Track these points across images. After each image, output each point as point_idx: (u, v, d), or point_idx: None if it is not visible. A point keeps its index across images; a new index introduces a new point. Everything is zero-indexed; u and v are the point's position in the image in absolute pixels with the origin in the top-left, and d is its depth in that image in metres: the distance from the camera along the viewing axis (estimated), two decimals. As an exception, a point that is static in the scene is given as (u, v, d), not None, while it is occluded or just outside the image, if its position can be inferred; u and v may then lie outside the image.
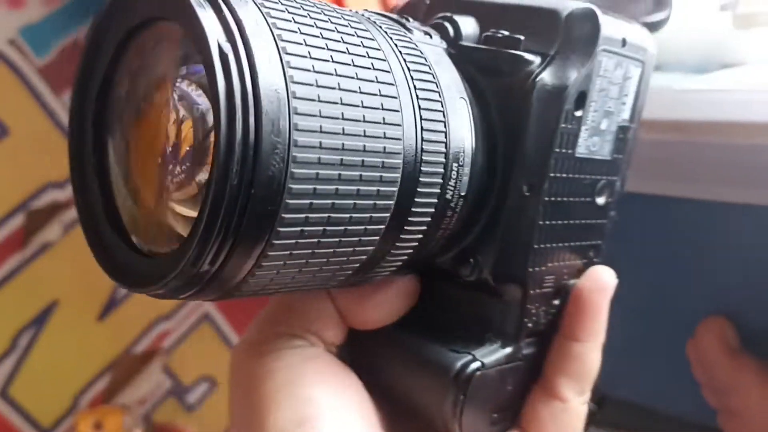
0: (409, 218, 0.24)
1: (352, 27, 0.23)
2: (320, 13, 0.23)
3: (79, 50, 0.74)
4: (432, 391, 0.27)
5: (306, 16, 0.22)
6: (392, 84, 0.23)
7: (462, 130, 0.25)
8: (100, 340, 0.80)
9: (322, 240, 0.22)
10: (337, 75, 0.21)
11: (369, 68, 0.23)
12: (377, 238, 0.23)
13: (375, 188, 0.22)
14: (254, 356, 0.27)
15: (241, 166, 0.19)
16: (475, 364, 0.26)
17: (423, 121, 0.24)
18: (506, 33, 0.27)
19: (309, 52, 0.21)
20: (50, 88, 0.72)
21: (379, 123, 0.22)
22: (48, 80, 0.72)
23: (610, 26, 0.27)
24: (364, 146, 0.22)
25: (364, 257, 0.24)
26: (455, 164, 0.25)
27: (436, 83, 0.25)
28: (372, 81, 0.22)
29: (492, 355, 0.27)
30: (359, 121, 0.22)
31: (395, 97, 0.23)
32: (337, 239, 0.22)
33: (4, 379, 0.75)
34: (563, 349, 0.28)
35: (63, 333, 0.77)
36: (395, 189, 0.23)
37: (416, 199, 0.24)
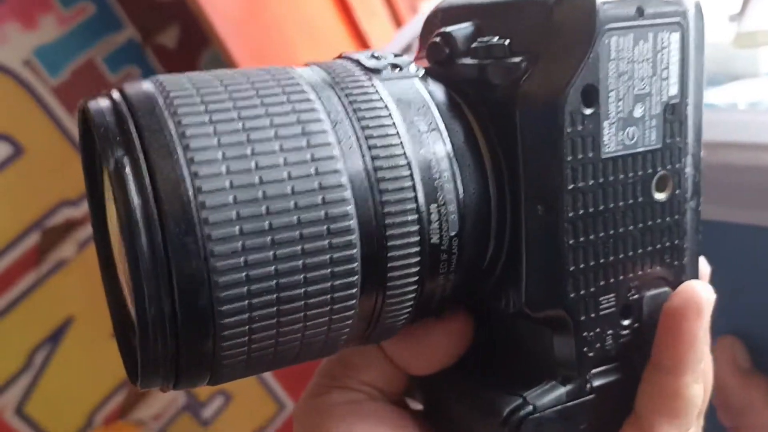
0: (389, 274, 0.23)
1: (282, 94, 0.22)
2: (240, 92, 0.22)
3: (92, 70, 0.75)
4: None
5: (220, 95, 0.21)
6: (328, 144, 0.22)
7: (437, 167, 0.23)
8: (115, 355, 0.80)
9: (282, 319, 0.21)
10: (254, 154, 0.20)
11: (297, 135, 0.21)
12: (353, 301, 0.22)
13: (326, 257, 0.21)
14: (312, 411, 0.27)
15: (154, 273, 0.19)
16: (526, 409, 0.24)
17: (377, 172, 0.22)
18: (495, 39, 0.25)
19: (222, 153, 0.20)
20: (64, 107, 0.73)
21: (314, 191, 0.21)
22: (62, 99, 0.73)
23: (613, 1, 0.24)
24: (298, 219, 0.21)
25: (349, 321, 0.23)
26: (433, 205, 0.23)
27: (392, 125, 0.23)
28: (301, 148, 0.21)
29: (547, 395, 0.24)
30: (286, 195, 0.21)
31: (333, 157, 0.22)
32: (300, 314, 0.21)
33: (20, 396, 0.76)
34: (655, 383, 0.24)
35: (78, 349, 0.78)
36: (354, 251, 0.21)
37: (390, 254, 0.22)
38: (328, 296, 0.21)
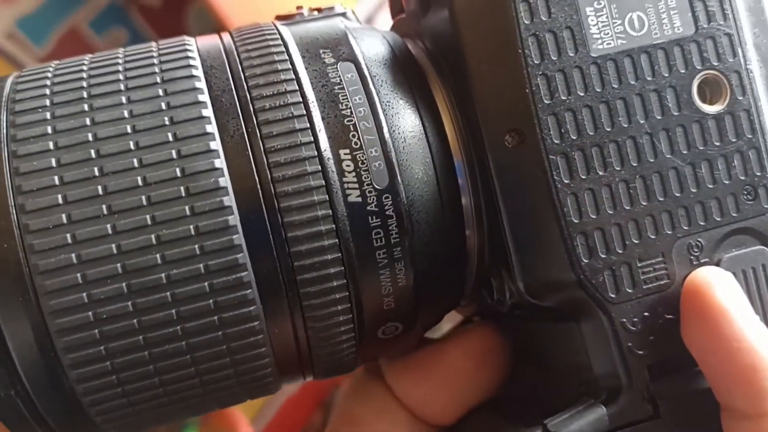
0: (307, 315, 0.18)
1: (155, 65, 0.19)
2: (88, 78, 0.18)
3: (78, 36, 0.73)
4: None
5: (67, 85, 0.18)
6: (193, 89, 0.18)
7: (347, 101, 0.18)
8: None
9: (164, 376, 0.17)
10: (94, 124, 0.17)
11: (154, 84, 0.18)
12: (260, 337, 0.17)
13: (207, 301, 0.16)
14: None
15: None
16: None
17: (258, 116, 0.18)
18: None
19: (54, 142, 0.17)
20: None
21: (167, 143, 0.17)
22: (51, 70, 0.72)
23: None
24: (145, 184, 0.16)
25: (266, 359, 0.18)
26: (344, 151, 0.18)
27: (284, 61, 0.19)
28: (160, 111, 0.17)
29: (575, 421, 0.17)
30: (130, 169, 0.16)
31: (216, 169, 0.17)
32: (182, 357, 0.17)
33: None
34: (731, 427, 0.17)
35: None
36: (235, 236, 0.17)
37: (302, 290, 0.18)
38: (215, 323, 0.17)
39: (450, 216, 0.19)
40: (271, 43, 0.19)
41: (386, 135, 0.18)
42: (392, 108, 0.18)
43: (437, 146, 0.19)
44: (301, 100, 0.18)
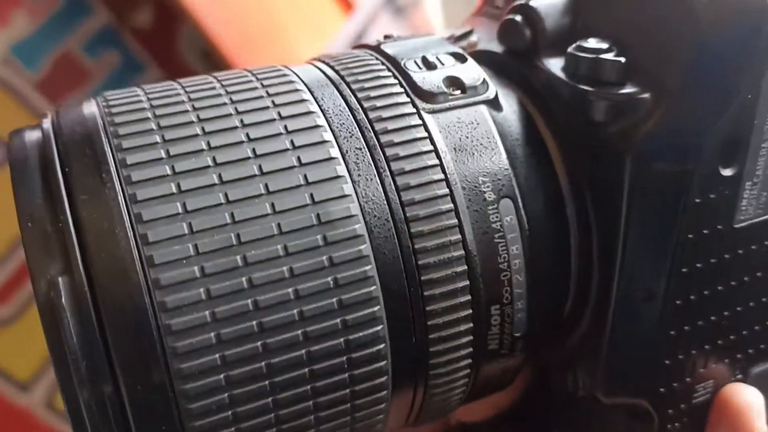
0: (429, 386, 0.17)
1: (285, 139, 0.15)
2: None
3: (72, 60, 0.74)
4: None
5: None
6: (344, 196, 0.15)
7: (505, 256, 0.17)
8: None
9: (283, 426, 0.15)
10: (229, 202, 0.14)
11: (298, 186, 0.15)
12: (383, 405, 0.17)
13: (341, 360, 0.15)
14: None
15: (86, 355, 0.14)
16: None
17: (418, 257, 0.16)
18: (603, 46, 0.17)
19: (182, 203, 0.14)
20: (49, 102, 0.72)
21: (320, 256, 0.15)
22: (46, 95, 0.72)
23: None
24: (296, 294, 0.14)
25: (380, 424, 0.18)
26: (495, 307, 0.17)
27: (446, 196, 0.17)
28: (305, 205, 0.15)
29: None
30: (277, 258, 0.14)
31: (357, 236, 0.15)
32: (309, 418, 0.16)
33: (49, 390, 0.77)
34: None
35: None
36: (384, 379, 0.16)
37: (432, 372, 0.17)
38: (348, 405, 0.16)
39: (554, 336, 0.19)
40: (429, 165, 0.16)
41: (536, 288, 0.18)
42: (541, 258, 0.17)
43: (565, 287, 0.18)
44: (463, 253, 0.16)
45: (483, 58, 0.19)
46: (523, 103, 0.18)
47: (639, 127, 0.16)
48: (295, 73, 0.17)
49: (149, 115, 0.15)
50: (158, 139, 0.15)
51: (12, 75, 0.71)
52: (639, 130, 0.16)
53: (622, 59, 0.16)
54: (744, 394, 0.19)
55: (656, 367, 0.18)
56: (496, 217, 0.17)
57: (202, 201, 0.14)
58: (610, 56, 0.16)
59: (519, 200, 0.17)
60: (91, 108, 0.16)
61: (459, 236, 0.16)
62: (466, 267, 0.17)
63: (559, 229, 0.18)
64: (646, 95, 0.16)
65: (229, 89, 0.16)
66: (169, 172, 0.14)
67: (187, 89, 0.16)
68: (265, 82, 0.16)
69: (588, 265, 0.18)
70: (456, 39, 0.21)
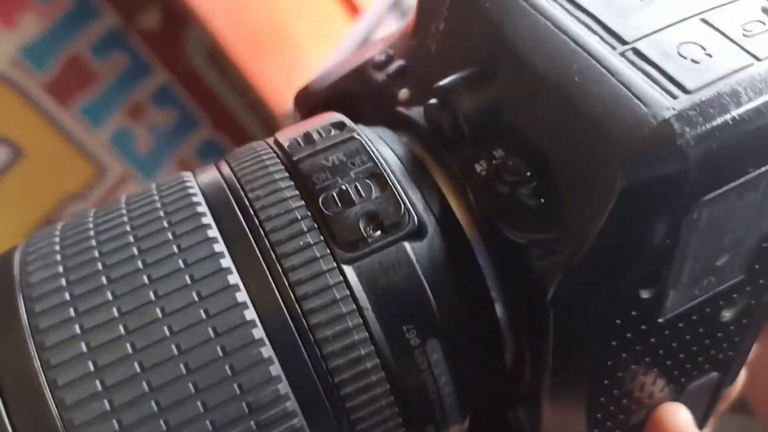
0: None
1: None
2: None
3: (81, 62, 0.75)
4: None
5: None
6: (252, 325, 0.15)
7: (433, 389, 0.17)
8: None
9: None
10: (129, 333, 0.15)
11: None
12: None
13: None
14: None
15: None
16: None
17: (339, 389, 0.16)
18: (526, 173, 0.16)
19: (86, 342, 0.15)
20: (58, 104, 0.73)
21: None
22: (54, 96, 0.73)
23: (714, 152, 0.14)
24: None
25: None
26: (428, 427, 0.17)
27: (370, 354, 0.16)
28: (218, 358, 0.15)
29: None
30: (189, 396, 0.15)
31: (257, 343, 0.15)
32: None
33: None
34: None
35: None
36: None
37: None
38: None
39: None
40: (351, 326, 0.16)
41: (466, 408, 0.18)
42: (473, 381, 0.17)
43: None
44: (393, 399, 0.16)
45: (413, 131, 0.18)
46: (450, 204, 0.17)
47: (554, 268, 0.15)
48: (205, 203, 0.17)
49: (60, 268, 0.16)
50: (64, 282, 0.16)
51: (22, 77, 0.72)
52: (555, 271, 0.15)
53: (541, 200, 0.16)
54: (676, 415, 0.19)
55: (593, 405, 0.18)
56: (423, 358, 0.16)
57: (104, 337, 0.15)
58: (527, 190, 0.16)
59: (445, 339, 0.17)
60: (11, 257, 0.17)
61: (387, 386, 0.16)
62: (397, 409, 0.17)
63: (491, 359, 0.18)
64: (560, 235, 0.15)
65: (135, 223, 0.17)
66: (78, 328, 0.15)
67: (98, 229, 0.17)
68: (173, 219, 0.17)
69: (519, 364, 0.18)
70: (382, 66, 0.20)
